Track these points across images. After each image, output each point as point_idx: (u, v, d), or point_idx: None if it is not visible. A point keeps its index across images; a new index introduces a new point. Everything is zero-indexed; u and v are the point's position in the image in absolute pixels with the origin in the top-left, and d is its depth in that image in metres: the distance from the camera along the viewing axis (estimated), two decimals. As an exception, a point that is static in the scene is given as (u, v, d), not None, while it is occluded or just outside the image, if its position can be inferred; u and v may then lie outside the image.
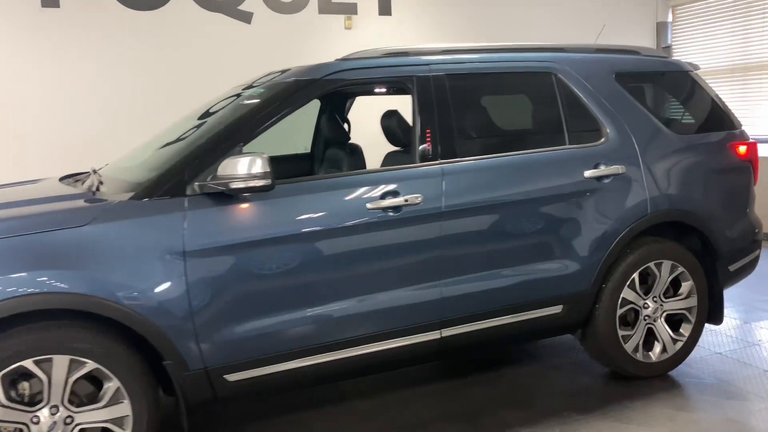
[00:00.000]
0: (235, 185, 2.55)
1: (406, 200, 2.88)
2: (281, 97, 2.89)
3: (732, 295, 4.50)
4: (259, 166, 2.54)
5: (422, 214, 2.92)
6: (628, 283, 3.39)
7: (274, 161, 2.62)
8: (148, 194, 2.59)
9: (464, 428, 3.09)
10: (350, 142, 4.16)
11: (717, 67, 7.51)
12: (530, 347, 4.04)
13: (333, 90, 3.03)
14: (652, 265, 3.44)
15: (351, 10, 6.68)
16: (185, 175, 2.63)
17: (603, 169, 3.32)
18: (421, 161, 3.03)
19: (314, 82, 2.94)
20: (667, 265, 3.48)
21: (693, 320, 3.60)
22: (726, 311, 3.75)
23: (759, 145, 3.98)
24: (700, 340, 3.67)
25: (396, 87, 3.23)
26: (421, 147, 3.03)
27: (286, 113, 2.88)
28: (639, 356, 3.48)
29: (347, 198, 2.84)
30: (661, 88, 3.85)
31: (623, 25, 7.97)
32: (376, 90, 4.00)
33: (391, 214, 2.86)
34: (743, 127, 3.88)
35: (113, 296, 2.42)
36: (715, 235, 3.59)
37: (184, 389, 2.58)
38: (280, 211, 2.72)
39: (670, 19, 8.21)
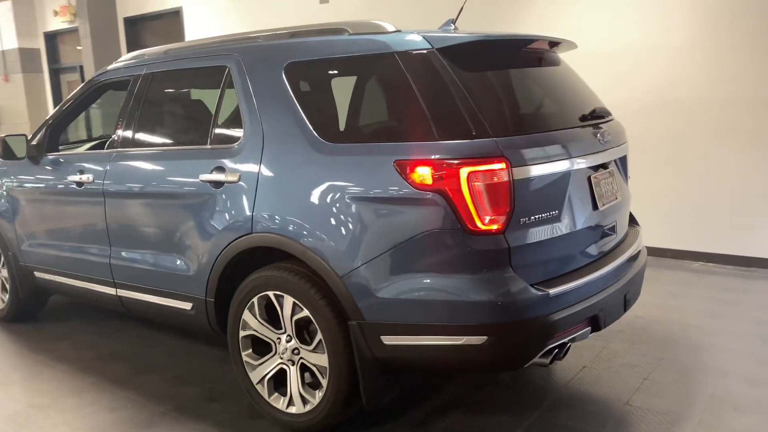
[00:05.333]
0: None
1: (80, 178, 3.64)
2: (77, 94, 4.03)
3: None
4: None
5: (92, 191, 3.62)
6: (247, 305, 2.98)
7: None
8: None
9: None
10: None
11: None
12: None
13: (104, 88, 3.89)
14: (271, 295, 2.88)
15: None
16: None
17: (214, 175, 3.00)
18: (108, 148, 3.64)
19: (90, 82, 3.93)
20: (288, 301, 2.82)
21: (324, 385, 2.76)
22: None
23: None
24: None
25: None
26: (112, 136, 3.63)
27: (81, 107, 4.05)
28: (264, 394, 3.00)
29: (63, 170, 3.85)
30: (363, 76, 2.74)
31: None
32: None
33: (77, 187, 3.71)
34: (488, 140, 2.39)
35: None
36: (342, 283, 2.59)
37: None
38: (37, 172, 4.03)
39: None
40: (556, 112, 2.94)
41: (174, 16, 9.15)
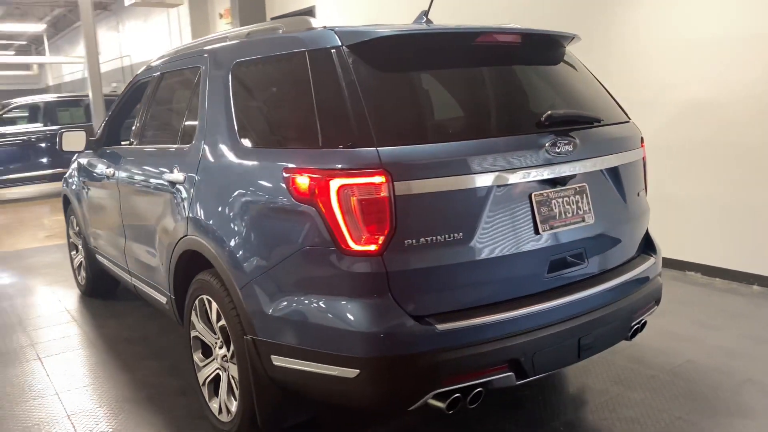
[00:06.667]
0: None
1: (107, 171, 3.92)
2: (124, 92, 4.32)
3: None
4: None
5: (114, 182, 3.88)
6: (192, 307, 2.98)
7: None
8: None
9: (143, 362, 3.86)
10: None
11: None
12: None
13: (142, 87, 4.09)
14: (205, 299, 2.84)
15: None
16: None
17: (171, 175, 3.04)
18: (130, 144, 3.85)
19: (131, 81, 4.19)
20: (215, 307, 2.76)
21: (237, 395, 2.67)
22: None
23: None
24: None
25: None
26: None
27: (129, 104, 4.34)
28: (205, 393, 2.99)
29: (106, 163, 4.14)
30: (282, 76, 2.56)
31: None
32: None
33: (108, 179, 3.99)
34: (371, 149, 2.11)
35: None
36: (240, 295, 2.47)
37: None
38: (95, 163, 4.39)
39: None
40: (494, 119, 2.50)
41: (309, 14, 9.49)
